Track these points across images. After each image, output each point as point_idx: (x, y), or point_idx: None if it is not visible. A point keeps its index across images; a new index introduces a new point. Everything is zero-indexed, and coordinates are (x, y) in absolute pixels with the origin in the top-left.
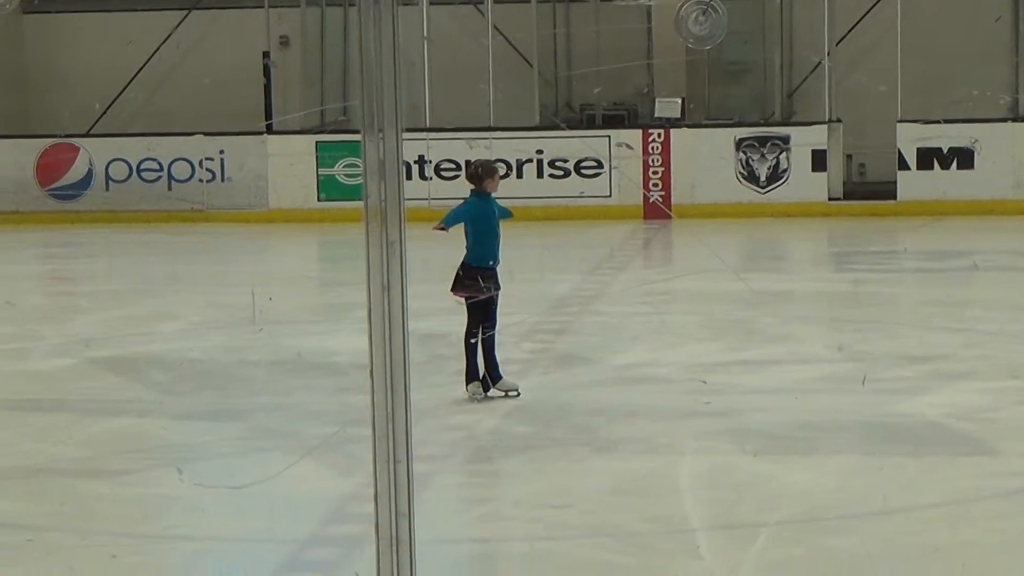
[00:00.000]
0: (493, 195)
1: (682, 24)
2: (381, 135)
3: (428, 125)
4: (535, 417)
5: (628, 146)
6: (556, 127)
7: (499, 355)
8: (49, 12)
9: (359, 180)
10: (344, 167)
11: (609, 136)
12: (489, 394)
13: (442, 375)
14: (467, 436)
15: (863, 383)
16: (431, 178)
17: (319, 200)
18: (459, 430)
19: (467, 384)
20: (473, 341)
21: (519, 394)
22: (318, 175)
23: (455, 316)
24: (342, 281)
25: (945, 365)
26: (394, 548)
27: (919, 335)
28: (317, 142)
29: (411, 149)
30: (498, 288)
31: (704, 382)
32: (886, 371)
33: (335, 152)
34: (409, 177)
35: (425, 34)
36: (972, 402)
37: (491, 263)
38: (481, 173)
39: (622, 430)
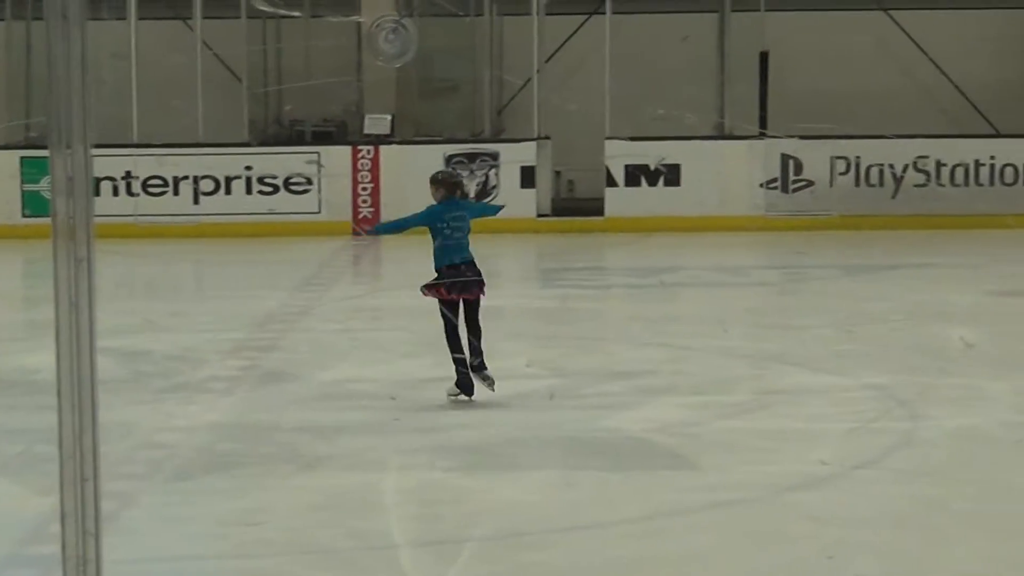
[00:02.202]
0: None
1: (372, 42)
2: (69, 151)
3: (136, 141)
4: (241, 434)
5: (319, 164)
6: (278, 142)
7: (203, 370)
8: None
9: None
10: (49, 183)
11: (318, 153)
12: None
13: (146, 392)
14: (172, 454)
15: (551, 398)
16: (138, 194)
17: (24, 216)
18: (164, 448)
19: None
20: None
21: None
22: (22, 191)
23: (159, 333)
24: (45, 298)
25: (648, 380)
26: (81, 569)
27: (623, 351)
28: (21, 158)
29: (118, 165)
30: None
31: (393, 398)
32: (591, 386)
33: (39, 168)
34: (116, 193)
35: (132, 50)
36: (674, 417)
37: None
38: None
39: (328, 447)
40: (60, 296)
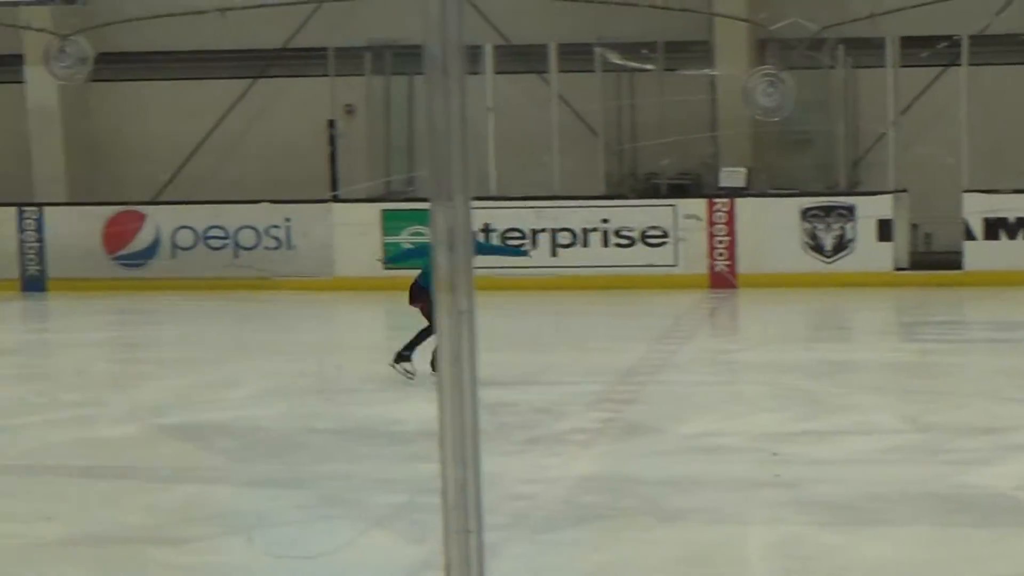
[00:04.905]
0: None
1: (750, 96)
2: (450, 204)
3: (494, 194)
4: (602, 487)
5: (697, 217)
6: (633, 195)
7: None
8: (116, 81)
9: None
10: (410, 235)
11: (674, 205)
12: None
13: (509, 443)
14: (534, 505)
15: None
16: None
17: (385, 268)
18: (526, 499)
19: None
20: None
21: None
22: (384, 243)
23: (521, 385)
24: None
25: (1014, 436)
26: None
27: (987, 406)
28: (383, 210)
29: (476, 218)
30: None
31: (775, 454)
32: (954, 442)
33: (401, 220)
34: None
35: (489, 104)
36: None
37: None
38: None
39: (689, 500)
40: (443, 348)
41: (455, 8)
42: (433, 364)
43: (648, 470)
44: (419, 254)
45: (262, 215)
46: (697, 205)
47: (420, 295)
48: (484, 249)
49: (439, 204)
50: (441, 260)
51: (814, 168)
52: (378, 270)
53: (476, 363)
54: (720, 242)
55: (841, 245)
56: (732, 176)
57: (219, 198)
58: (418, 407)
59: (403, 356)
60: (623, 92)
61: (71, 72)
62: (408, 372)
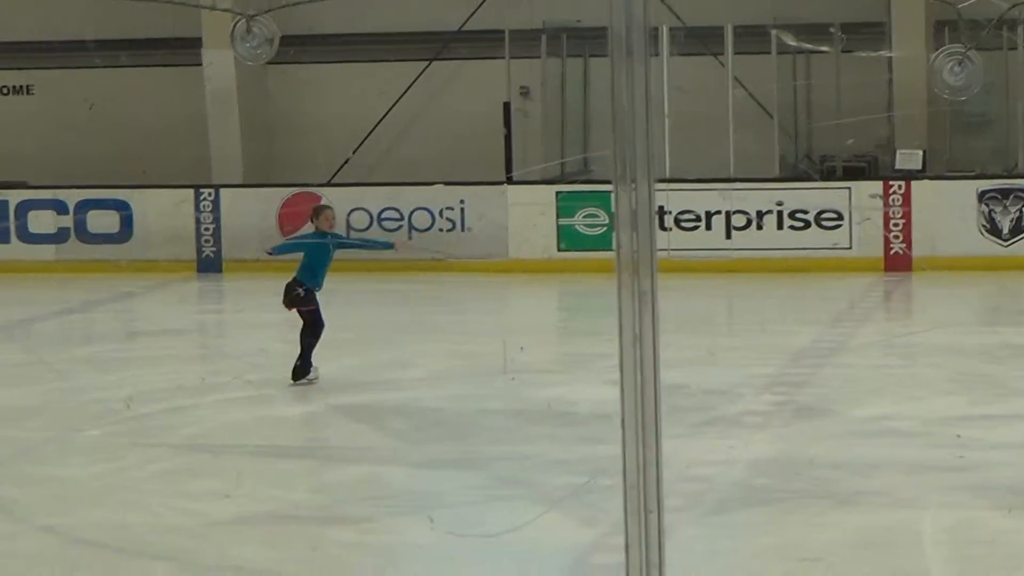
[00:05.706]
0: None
1: (937, 75)
2: (633, 185)
3: (668, 176)
4: (776, 469)
5: (878, 196)
6: (809, 177)
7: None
8: (292, 63)
9: (599, 230)
10: (584, 217)
11: (849, 188)
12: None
13: (682, 426)
14: (708, 488)
15: None
16: (670, 229)
17: (559, 250)
18: (700, 481)
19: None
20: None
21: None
22: (558, 225)
23: (694, 367)
24: (581, 331)
25: None
26: None
27: None
28: (557, 192)
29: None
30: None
31: (958, 436)
32: None
33: (576, 202)
34: None
35: (666, 86)
36: None
37: (313, 285)
38: (312, 213)
39: (864, 483)
40: (624, 329)
41: None
42: (295, 373)
43: (822, 453)
44: (300, 248)
45: (437, 197)
46: (873, 187)
47: (302, 296)
48: (347, 244)
49: (622, 185)
50: (624, 241)
51: (992, 150)
52: (552, 251)
53: (657, 345)
54: (896, 225)
55: (1019, 228)
56: (908, 158)
57: (394, 180)
58: (591, 389)
59: (302, 372)
60: (799, 74)
61: (257, 52)
62: (312, 379)
